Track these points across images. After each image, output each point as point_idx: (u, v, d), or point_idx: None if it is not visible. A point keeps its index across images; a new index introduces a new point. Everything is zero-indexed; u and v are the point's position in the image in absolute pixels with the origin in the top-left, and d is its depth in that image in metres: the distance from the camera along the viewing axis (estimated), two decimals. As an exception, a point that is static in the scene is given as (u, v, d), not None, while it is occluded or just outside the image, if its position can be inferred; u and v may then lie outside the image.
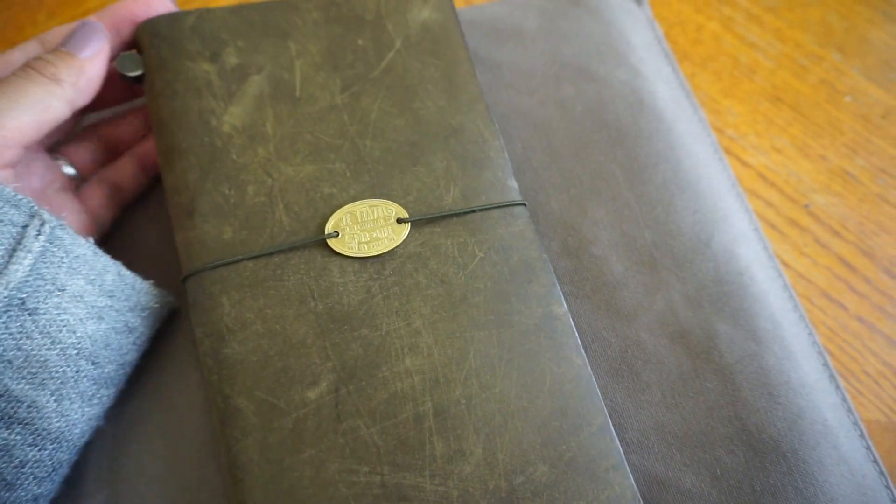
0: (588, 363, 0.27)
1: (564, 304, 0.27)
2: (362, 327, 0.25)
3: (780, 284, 0.32)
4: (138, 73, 0.29)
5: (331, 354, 0.25)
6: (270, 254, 0.26)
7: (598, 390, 0.26)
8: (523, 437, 0.25)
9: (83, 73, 0.27)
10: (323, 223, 0.27)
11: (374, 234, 0.27)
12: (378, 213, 0.27)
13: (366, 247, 0.26)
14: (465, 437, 0.24)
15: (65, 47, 0.28)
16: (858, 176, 0.38)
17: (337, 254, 0.26)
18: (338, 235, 0.26)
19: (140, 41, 0.29)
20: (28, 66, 0.27)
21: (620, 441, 0.28)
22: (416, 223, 0.27)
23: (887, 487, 0.27)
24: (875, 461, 0.28)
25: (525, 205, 0.29)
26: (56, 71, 0.27)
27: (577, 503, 0.24)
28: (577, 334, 0.27)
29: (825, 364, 0.30)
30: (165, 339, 0.29)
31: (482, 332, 0.26)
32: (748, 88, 0.41)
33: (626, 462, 0.25)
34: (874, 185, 0.38)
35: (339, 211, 0.27)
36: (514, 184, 0.29)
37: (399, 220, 0.27)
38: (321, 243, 0.26)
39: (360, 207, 0.27)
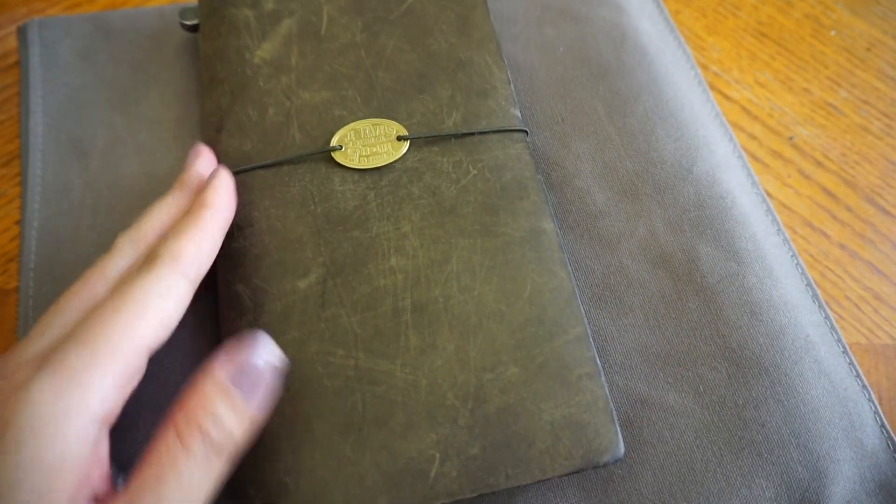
0: (573, 278, 0.27)
1: (553, 222, 0.28)
2: (355, 229, 0.27)
3: (762, 209, 0.31)
4: (195, 22, 0.34)
5: (323, 251, 0.27)
6: (280, 164, 0.29)
7: (580, 304, 0.26)
8: (497, 338, 0.25)
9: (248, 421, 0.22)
10: (328, 140, 0.29)
11: (375, 149, 0.29)
12: (380, 130, 0.29)
13: (366, 160, 0.28)
14: (440, 333, 0.25)
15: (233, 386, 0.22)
16: (841, 108, 0.38)
17: (339, 165, 0.28)
18: (341, 149, 0.29)
19: None
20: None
21: (603, 364, 0.28)
22: (416, 142, 0.29)
23: (869, 400, 0.25)
24: (858, 376, 0.26)
25: (526, 132, 0.30)
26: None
27: (546, 404, 0.24)
28: (564, 251, 0.27)
29: (808, 285, 0.29)
30: None
31: (467, 239, 0.27)
32: (732, 24, 0.41)
33: (602, 374, 0.25)
34: (857, 116, 0.38)
35: (345, 128, 0.29)
36: (516, 112, 0.30)
37: (399, 138, 0.29)
38: (326, 156, 0.29)
39: (364, 125, 0.29)
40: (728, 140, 0.34)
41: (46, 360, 0.21)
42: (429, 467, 0.24)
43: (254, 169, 0.29)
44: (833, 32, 0.41)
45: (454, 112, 0.30)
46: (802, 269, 0.30)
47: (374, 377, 0.25)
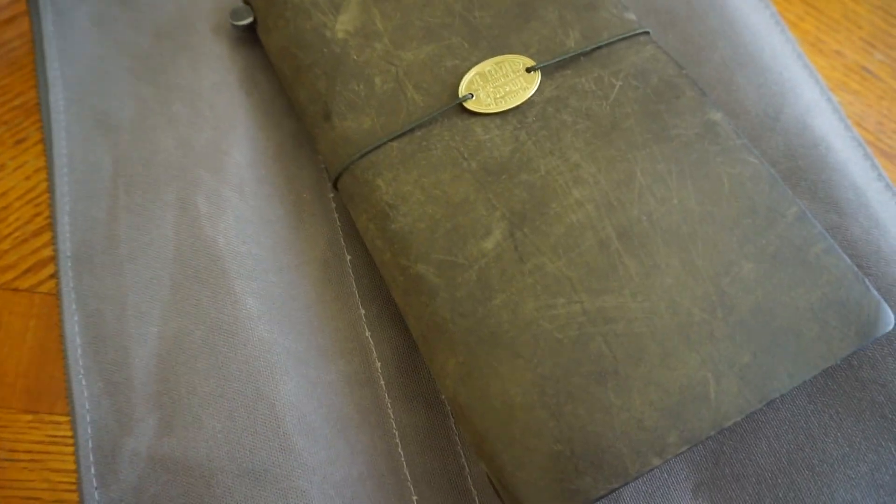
0: (764, 161, 0.25)
1: (720, 111, 0.26)
2: (520, 173, 0.25)
3: (860, 154, 0.29)
4: (248, 20, 0.31)
5: (496, 204, 0.24)
6: (412, 130, 0.26)
7: (782, 183, 0.24)
8: (717, 240, 0.23)
9: None
10: (454, 92, 0.27)
11: (507, 89, 0.26)
12: (506, 67, 0.26)
13: (502, 101, 0.26)
14: (657, 252, 0.23)
15: None
16: (877, 71, 0.35)
17: (476, 114, 0.26)
18: (473, 97, 0.26)
19: None
20: None
21: None
22: (546, 70, 0.26)
23: None
24: None
25: (648, 32, 0.27)
26: None
27: (796, 291, 0.22)
28: (743, 137, 0.25)
29: None
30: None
31: (642, 150, 0.25)
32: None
33: (836, 245, 0.23)
34: (894, 80, 0.35)
35: (468, 74, 0.26)
36: (631, 16, 0.28)
37: (528, 70, 0.26)
38: (458, 108, 0.26)
39: (487, 67, 0.27)
40: (814, 82, 0.31)
41: None
42: (706, 390, 0.21)
43: (385, 143, 0.26)
44: (867, -11, 0.38)
45: (570, 31, 0.27)
46: None
47: (608, 315, 0.22)
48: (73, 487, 0.29)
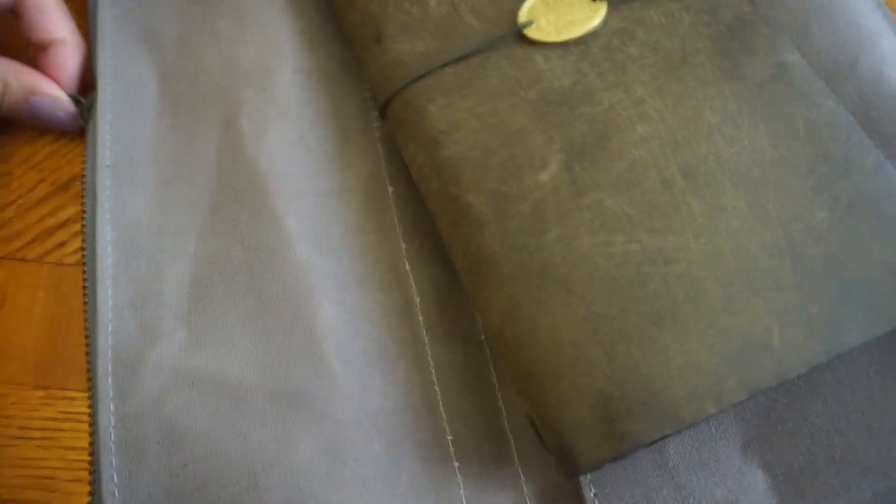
0: (842, 106, 0.23)
1: (796, 52, 0.24)
2: (582, 105, 0.23)
3: None
4: None
5: (555, 136, 0.23)
6: (468, 56, 0.25)
7: (860, 130, 0.23)
8: (789, 185, 0.22)
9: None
10: (513, 17, 0.25)
11: (570, 17, 0.25)
12: (571, -5, 0.25)
13: (564, 30, 0.25)
14: (724, 193, 0.22)
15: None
16: None
17: (536, 42, 0.25)
18: (533, 24, 0.25)
19: None
20: None
21: None
22: (612, 1, 0.25)
23: None
24: None
25: None
26: None
27: (871, 244, 0.21)
28: (820, 80, 0.24)
29: None
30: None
31: (713, 88, 0.23)
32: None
33: None
34: None
35: (529, 0, 0.25)
36: None
37: (594, -1, 0.25)
38: (517, 35, 0.25)
39: (551, -7, 0.25)
40: (893, 32, 0.29)
41: None
42: (769, 338, 0.20)
43: (441, 68, 0.25)
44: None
45: (640, -38, 0.26)
46: None
47: (668, 256, 0.21)
48: (89, 466, 0.28)
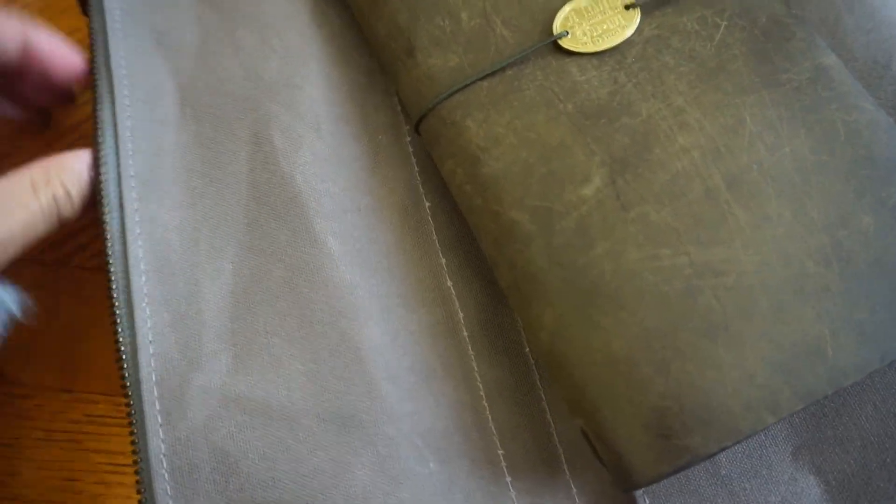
0: (880, 108, 0.23)
1: (833, 55, 0.24)
2: (621, 117, 0.23)
3: None
4: None
5: (595, 149, 0.23)
6: (503, 69, 0.25)
7: None
8: (832, 190, 0.22)
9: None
10: (546, 29, 0.25)
11: (605, 27, 0.25)
12: (603, 4, 0.25)
13: (599, 40, 0.24)
14: (768, 202, 0.22)
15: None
16: None
17: (571, 53, 0.24)
18: (568, 35, 0.25)
19: None
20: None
21: None
22: (646, 7, 0.25)
23: None
24: None
25: None
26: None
27: (918, 248, 0.21)
28: (857, 83, 0.24)
29: None
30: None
31: (751, 95, 0.23)
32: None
33: None
34: None
35: (563, 9, 0.25)
36: None
37: (627, 7, 0.25)
38: (552, 46, 0.25)
39: (583, 2, 0.25)
40: None
41: None
42: (822, 345, 0.20)
43: (474, 82, 0.24)
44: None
45: (670, -33, 0.26)
46: None
47: (717, 268, 0.21)
48: (114, 469, 0.27)
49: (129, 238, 0.25)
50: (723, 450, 0.20)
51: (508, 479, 0.23)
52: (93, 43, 0.27)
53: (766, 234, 0.22)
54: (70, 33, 0.32)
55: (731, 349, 0.20)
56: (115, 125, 0.26)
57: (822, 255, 0.21)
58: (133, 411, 0.23)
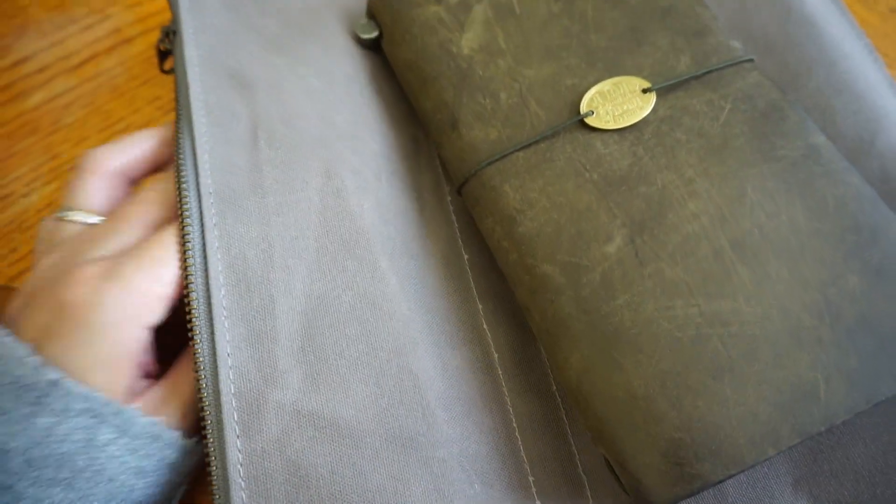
0: (866, 183, 0.27)
1: (823, 135, 0.28)
2: (639, 185, 0.27)
3: None
4: (374, 34, 0.33)
5: (617, 213, 0.27)
6: (537, 142, 0.28)
7: (883, 203, 0.26)
8: (823, 254, 0.25)
9: None
10: (574, 108, 0.29)
11: (625, 108, 0.28)
12: (623, 88, 0.29)
13: (621, 118, 0.28)
14: (767, 262, 0.25)
15: None
16: None
17: (595, 129, 0.28)
18: (593, 114, 0.28)
19: (372, 7, 0.34)
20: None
21: None
22: (660, 91, 0.29)
23: None
24: None
25: (753, 60, 0.30)
26: None
27: (899, 304, 0.24)
28: (844, 159, 0.27)
29: None
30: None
31: (752, 168, 0.27)
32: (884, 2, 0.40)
33: None
34: None
35: (589, 93, 0.29)
36: (737, 44, 0.30)
37: (644, 91, 0.29)
38: (579, 123, 0.29)
39: (606, 86, 0.29)
40: None
41: (114, 270, 0.25)
42: (816, 389, 0.23)
43: (512, 153, 0.28)
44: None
45: (681, 56, 0.30)
46: None
47: (724, 318, 0.24)
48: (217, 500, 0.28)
49: (210, 251, 0.26)
50: (730, 477, 0.23)
51: (538, 502, 0.26)
52: (177, 84, 0.31)
53: (766, 290, 0.25)
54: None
55: (735, 389, 0.23)
56: (193, 146, 0.28)
57: (816, 310, 0.24)
58: (210, 421, 0.24)
